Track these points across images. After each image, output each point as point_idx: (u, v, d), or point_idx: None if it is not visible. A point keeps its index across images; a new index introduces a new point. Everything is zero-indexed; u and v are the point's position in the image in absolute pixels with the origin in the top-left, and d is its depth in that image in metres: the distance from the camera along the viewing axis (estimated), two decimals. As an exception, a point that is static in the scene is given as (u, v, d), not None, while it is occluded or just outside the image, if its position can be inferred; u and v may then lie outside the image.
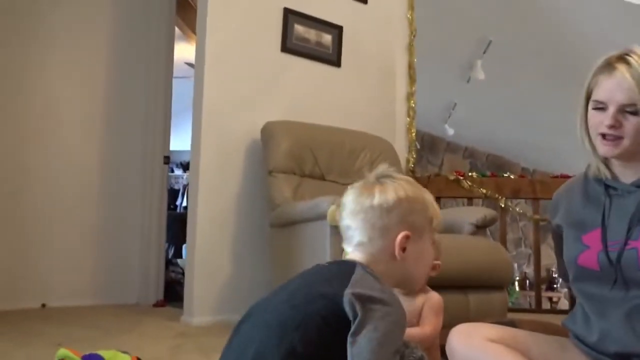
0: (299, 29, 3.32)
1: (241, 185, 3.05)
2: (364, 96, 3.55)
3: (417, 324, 1.56)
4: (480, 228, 2.65)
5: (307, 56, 3.34)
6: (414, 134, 3.76)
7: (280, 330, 0.92)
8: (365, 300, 0.91)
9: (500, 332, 1.40)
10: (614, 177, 1.35)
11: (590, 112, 1.32)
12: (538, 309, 3.87)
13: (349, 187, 1.11)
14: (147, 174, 3.82)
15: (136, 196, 3.79)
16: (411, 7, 3.81)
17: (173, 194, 6.51)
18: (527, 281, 7.29)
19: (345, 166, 3.04)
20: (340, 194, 2.75)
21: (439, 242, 1.62)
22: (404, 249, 1.05)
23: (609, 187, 1.35)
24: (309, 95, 3.33)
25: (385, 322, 0.91)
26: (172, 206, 6.18)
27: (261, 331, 0.94)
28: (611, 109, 1.27)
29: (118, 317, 3.14)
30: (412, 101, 3.76)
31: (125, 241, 3.74)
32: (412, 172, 3.70)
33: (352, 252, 1.08)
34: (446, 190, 3.79)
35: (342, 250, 1.12)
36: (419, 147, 4.55)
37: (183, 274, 3.52)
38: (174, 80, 4.00)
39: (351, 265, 1.01)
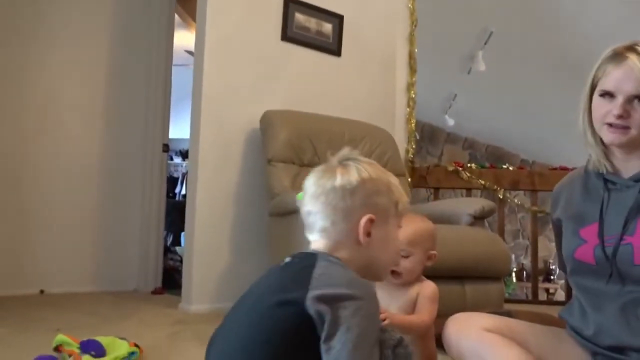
0: (300, 17, 3.31)
1: (240, 174, 3.05)
2: (364, 86, 3.54)
3: (412, 312, 1.56)
4: (478, 219, 2.66)
5: (307, 45, 3.33)
6: (413, 125, 3.76)
7: (245, 356, 0.88)
8: (330, 300, 0.86)
9: (497, 321, 1.41)
10: (615, 171, 1.35)
11: (597, 101, 1.31)
12: (535, 300, 3.89)
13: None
14: (147, 162, 3.82)
15: (135, 184, 3.79)
16: (412, -4, 3.80)
17: (172, 182, 6.51)
18: (525, 272, 7.31)
19: (345, 156, 3.04)
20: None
21: (434, 232, 1.63)
22: (368, 234, 0.99)
23: (608, 182, 1.35)
24: (308, 84, 3.32)
25: (357, 319, 0.86)
26: (171, 194, 6.18)
27: None
28: (620, 99, 1.26)
29: (116, 303, 3.16)
30: (412, 91, 3.76)
31: (124, 229, 3.74)
32: (411, 163, 3.70)
33: (315, 241, 1.02)
34: (445, 181, 3.80)
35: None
36: (418, 137, 4.55)
37: (181, 261, 3.53)
38: (174, 68, 3.98)
39: (312, 258, 0.96)
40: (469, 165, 3.87)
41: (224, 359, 0.92)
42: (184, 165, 6.75)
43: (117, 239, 3.71)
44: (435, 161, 7.30)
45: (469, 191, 3.82)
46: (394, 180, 1.05)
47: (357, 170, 1.00)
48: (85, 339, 1.89)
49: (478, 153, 7.86)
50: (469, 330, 1.38)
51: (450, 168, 3.78)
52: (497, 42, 5.13)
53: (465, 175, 3.73)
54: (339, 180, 0.99)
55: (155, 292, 3.61)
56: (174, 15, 4.06)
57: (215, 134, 3.00)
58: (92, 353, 1.81)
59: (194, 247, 2.94)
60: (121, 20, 3.83)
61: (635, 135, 1.27)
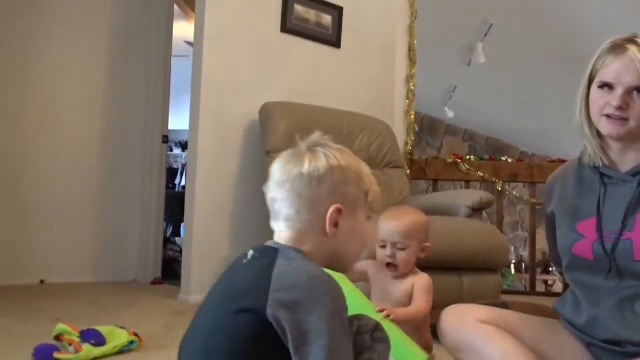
0: (299, 9, 3.30)
1: (239, 166, 3.06)
2: (363, 78, 3.54)
3: (408, 303, 1.58)
4: (476, 211, 2.67)
5: (307, 37, 3.33)
6: (412, 117, 3.76)
7: None
8: (291, 307, 0.81)
9: (492, 313, 1.42)
10: (611, 164, 1.34)
11: (595, 93, 1.30)
12: (532, 292, 3.91)
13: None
14: (146, 153, 3.83)
15: (135, 175, 3.80)
16: (412, -12, 3.79)
17: (172, 173, 6.51)
18: (523, 264, 7.33)
19: (345, 147, 3.04)
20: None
21: (428, 224, 1.65)
22: (335, 224, 0.93)
23: (604, 176, 1.34)
24: (308, 76, 3.32)
25: (325, 322, 0.81)
26: (170, 185, 6.19)
27: None
28: (619, 90, 1.25)
29: (116, 294, 3.17)
30: (411, 83, 3.76)
31: (124, 220, 3.76)
32: (410, 155, 3.71)
33: (279, 232, 0.96)
34: (444, 173, 3.81)
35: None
36: (417, 129, 4.55)
37: (181, 252, 3.54)
38: (174, 59, 3.98)
39: (273, 254, 0.90)
40: (468, 157, 3.88)
41: None
42: (183, 156, 6.75)
43: (117, 230, 3.73)
44: (435, 153, 7.30)
45: (467, 183, 3.83)
46: (366, 169, 1.00)
47: (325, 158, 0.94)
48: (85, 328, 1.90)
49: (478, 145, 7.86)
50: (464, 322, 1.39)
51: (449, 160, 3.79)
52: (497, 35, 5.12)
53: (464, 167, 3.74)
54: (306, 167, 0.93)
55: (154, 282, 3.63)
56: (173, 6, 4.05)
57: (214, 125, 3.01)
58: (92, 342, 1.83)
59: (193, 238, 2.95)
60: (120, 12, 3.82)
61: (634, 127, 1.26)
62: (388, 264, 1.60)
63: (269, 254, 0.91)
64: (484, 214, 3.18)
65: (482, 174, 3.75)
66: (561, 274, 1.49)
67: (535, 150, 7.66)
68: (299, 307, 0.82)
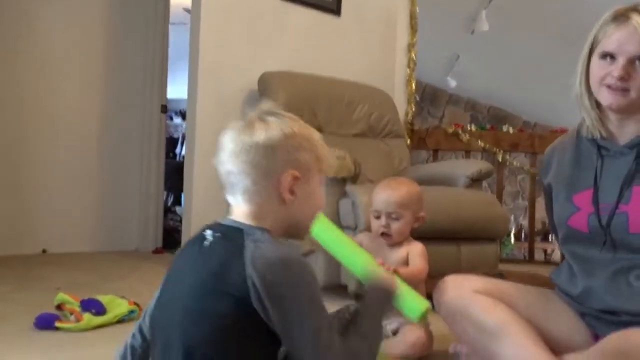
0: (298, -25, 3.23)
1: (238, 136, 3.04)
2: (363, 46, 3.49)
3: None
4: (475, 181, 2.66)
5: (306, 4, 3.27)
6: (413, 86, 3.73)
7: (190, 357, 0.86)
8: (272, 292, 0.84)
9: (488, 284, 1.43)
10: (609, 136, 1.34)
11: (596, 63, 1.29)
12: (531, 260, 3.94)
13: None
14: (145, 122, 3.81)
15: (135, 145, 3.79)
16: (414, -47, 3.71)
17: (172, 143, 6.49)
18: (523, 233, 7.36)
19: (344, 118, 3.02)
20: (339, 146, 2.74)
21: (421, 195, 1.67)
22: (292, 191, 0.94)
23: (602, 148, 1.34)
24: (307, 44, 3.27)
25: (306, 303, 0.85)
26: (171, 154, 6.18)
27: None
28: (621, 60, 1.24)
29: (117, 263, 3.20)
30: (413, 52, 3.71)
31: (124, 189, 3.76)
32: (410, 125, 3.69)
33: (237, 205, 0.96)
34: (445, 143, 3.79)
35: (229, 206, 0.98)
36: (418, 99, 4.51)
37: (181, 221, 3.56)
38: (171, 27, 3.93)
39: (238, 236, 0.90)
40: (469, 126, 3.85)
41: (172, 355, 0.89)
42: (184, 125, 6.72)
43: (118, 200, 3.73)
44: (437, 123, 7.25)
45: (468, 153, 3.82)
46: (317, 135, 1.00)
47: (278, 126, 0.94)
48: (85, 297, 1.92)
49: (480, 115, 7.80)
50: (461, 292, 1.40)
51: (450, 130, 3.77)
52: (501, 2, 5.03)
53: (465, 137, 3.72)
54: (259, 136, 0.93)
55: (155, 251, 3.66)
56: (170, -27, 3.97)
57: (213, 96, 2.98)
58: (93, 311, 1.84)
59: (193, 208, 2.96)
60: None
61: (635, 98, 1.25)
62: (382, 233, 1.62)
63: (234, 235, 0.91)
64: (484, 183, 3.18)
65: (482, 144, 3.73)
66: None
67: (538, 119, 7.60)
68: (280, 295, 0.84)
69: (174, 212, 4.44)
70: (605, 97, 1.28)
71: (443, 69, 6.67)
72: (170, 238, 3.85)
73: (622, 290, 1.26)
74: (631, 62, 1.24)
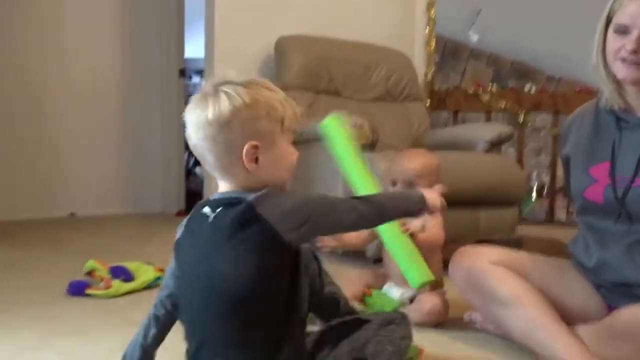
0: None
1: (257, 100, 3.05)
2: (382, 6, 3.43)
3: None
4: (495, 145, 2.65)
5: (323, -37, 3.21)
6: (432, 47, 3.66)
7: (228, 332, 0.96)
8: (295, 227, 0.92)
9: (503, 255, 1.46)
10: (628, 108, 1.33)
11: (611, 36, 1.28)
12: (551, 220, 3.94)
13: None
14: (164, 85, 3.82)
15: (155, 107, 3.81)
16: None
17: (192, 103, 6.50)
18: (545, 189, 7.31)
19: (361, 82, 3.01)
20: (357, 110, 2.73)
21: (438, 167, 1.67)
22: (256, 160, 0.94)
23: (620, 120, 1.33)
24: (324, 6, 3.23)
25: (314, 195, 0.97)
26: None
27: (208, 332, 0.97)
28: (635, 33, 1.23)
29: (143, 225, 3.29)
30: (432, 11, 3.63)
31: (146, 152, 3.81)
32: (430, 86, 3.65)
33: (219, 180, 0.99)
34: (465, 104, 3.75)
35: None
36: (439, 58, 4.44)
37: (202, 184, 3.61)
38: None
39: (241, 202, 0.93)
40: (490, 86, 3.79)
41: (208, 331, 0.98)
42: (203, 85, 6.71)
43: (140, 163, 3.79)
44: (458, 78, 7.13)
45: (489, 114, 3.77)
46: (275, 95, 0.97)
47: (228, 99, 0.93)
48: (113, 264, 1.99)
49: (503, 70, 7.64)
50: (476, 264, 1.43)
51: (470, 91, 3.72)
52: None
53: (485, 97, 3.67)
54: (210, 112, 0.93)
55: (179, 214, 3.73)
56: None
57: (229, 60, 2.99)
58: (122, 278, 1.92)
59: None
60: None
61: None
62: None
63: (235, 204, 0.94)
64: (502, 147, 3.15)
65: (503, 105, 3.68)
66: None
67: (563, 74, 7.42)
68: (300, 224, 0.93)
69: (195, 175, 4.49)
70: (620, 70, 1.27)
71: (464, 23, 6.51)
72: (194, 200, 3.90)
73: (637, 263, 1.28)
74: None
